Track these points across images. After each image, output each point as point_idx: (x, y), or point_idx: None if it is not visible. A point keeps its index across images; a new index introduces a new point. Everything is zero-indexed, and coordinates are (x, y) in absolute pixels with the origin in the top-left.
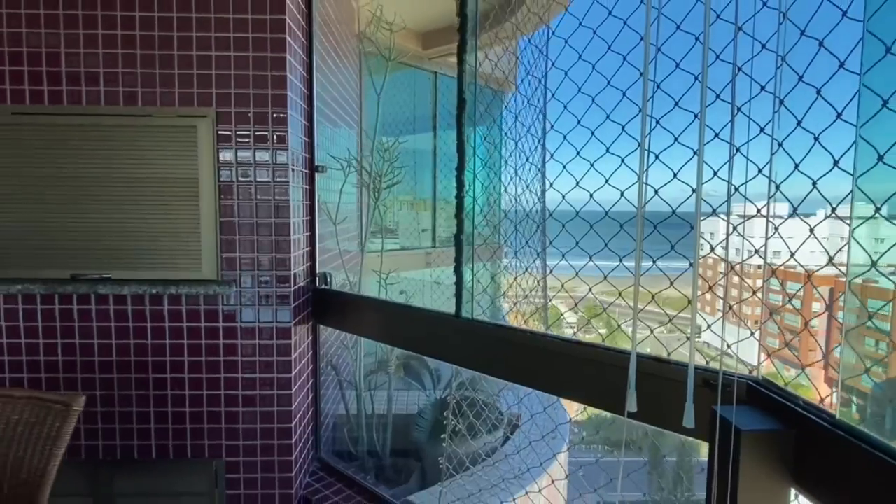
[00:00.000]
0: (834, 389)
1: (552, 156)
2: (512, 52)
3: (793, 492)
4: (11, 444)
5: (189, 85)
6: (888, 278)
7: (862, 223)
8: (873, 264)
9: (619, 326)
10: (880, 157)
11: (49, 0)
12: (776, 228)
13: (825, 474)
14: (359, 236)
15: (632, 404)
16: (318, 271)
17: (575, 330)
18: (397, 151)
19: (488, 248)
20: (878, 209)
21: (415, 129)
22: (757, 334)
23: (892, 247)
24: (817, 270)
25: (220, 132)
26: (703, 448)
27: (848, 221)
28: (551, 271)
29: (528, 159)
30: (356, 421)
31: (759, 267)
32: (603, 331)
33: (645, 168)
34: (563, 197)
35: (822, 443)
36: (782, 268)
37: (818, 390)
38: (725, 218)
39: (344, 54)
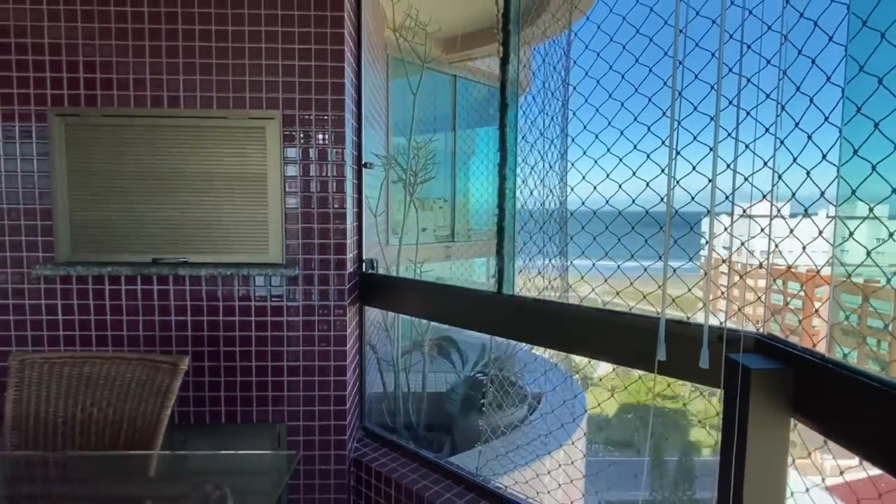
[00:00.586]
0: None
1: (572, 164)
2: (527, 57)
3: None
4: (127, 398)
5: (259, 90)
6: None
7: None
8: (873, 257)
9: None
10: (855, 151)
11: (136, 16)
12: (794, 226)
13: (818, 403)
14: (385, 230)
15: (661, 353)
16: (364, 258)
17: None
18: (432, 151)
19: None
20: (871, 210)
21: (435, 129)
22: (763, 297)
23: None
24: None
25: (285, 133)
26: (704, 449)
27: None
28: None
29: (542, 158)
30: (393, 396)
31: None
32: None
33: (673, 167)
34: (583, 201)
35: (815, 377)
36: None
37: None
38: (739, 212)
39: (375, 59)
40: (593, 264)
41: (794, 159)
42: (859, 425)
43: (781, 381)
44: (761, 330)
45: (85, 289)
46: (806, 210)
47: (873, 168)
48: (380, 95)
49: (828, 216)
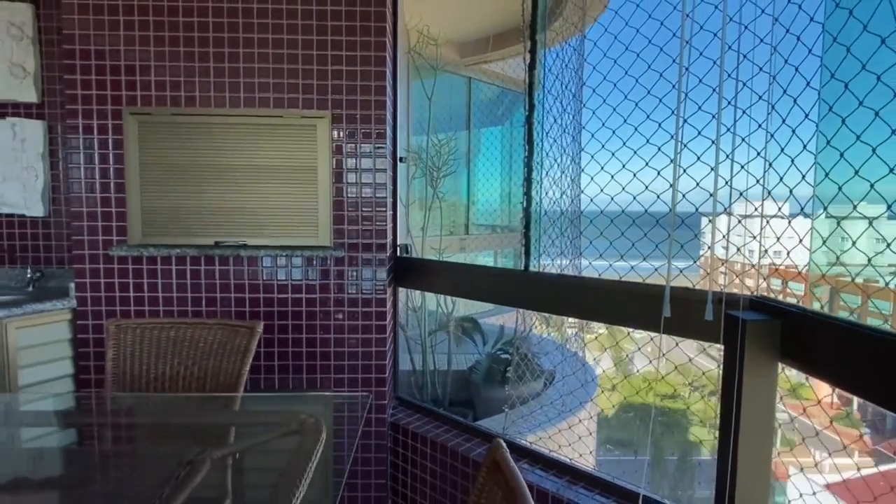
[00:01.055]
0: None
1: (591, 156)
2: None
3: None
4: (210, 357)
5: (311, 92)
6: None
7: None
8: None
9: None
10: (828, 142)
11: (201, 25)
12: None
13: (800, 346)
14: (406, 221)
15: (667, 310)
16: (398, 243)
17: (576, 329)
18: (453, 148)
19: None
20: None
21: (450, 128)
22: (757, 261)
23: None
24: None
25: (334, 130)
26: (703, 449)
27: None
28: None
29: (561, 153)
30: (421, 373)
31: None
32: (602, 330)
33: (679, 166)
34: (592, 199)
35: (797, 325)
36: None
37: (818, 388)
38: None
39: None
40: (610, 265)
41: (782, 149)
42: (833, 361)
43: (770, 331)
44: (754, 294)
45: (154, 268)
46: (802, 208)
47: (841, 155)
48: (401, 95)
49: (827, 215)
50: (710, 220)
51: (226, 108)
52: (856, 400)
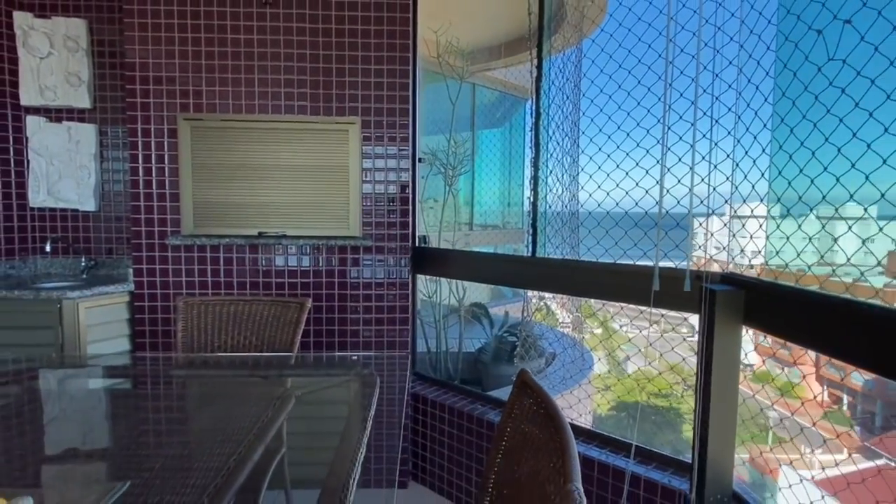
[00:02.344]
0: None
1: (579, 168)
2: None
3: None
4: (266, 329)
5: (343, 101)
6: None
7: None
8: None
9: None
10: (780, 146)
11: (247, 42)
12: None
13: (758, 311)
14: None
15: (656, 284)
16: (418, 234)
17: (570, 328)
18: (466, 150)
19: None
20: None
21: (455, 130)
22: (727, 250)
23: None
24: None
25: (363, 134)
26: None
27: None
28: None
29: (551, 157)
30: (435, 353)
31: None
32: (598, 330)
33: (664, 160)
34: (591, 195)
35: (756, 293)
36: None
37: (811, 387)
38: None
39: None
40: (606, 251)
41: (746, 152)
42: (782, 320)
43: (736, 299)
44: (725, 270)
45: (204, 256)
46: (788, 210)
47: (790, 157)
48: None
49: (816, 217)
50: (688, 211)
51: (268, 115)
52: (846, 398)
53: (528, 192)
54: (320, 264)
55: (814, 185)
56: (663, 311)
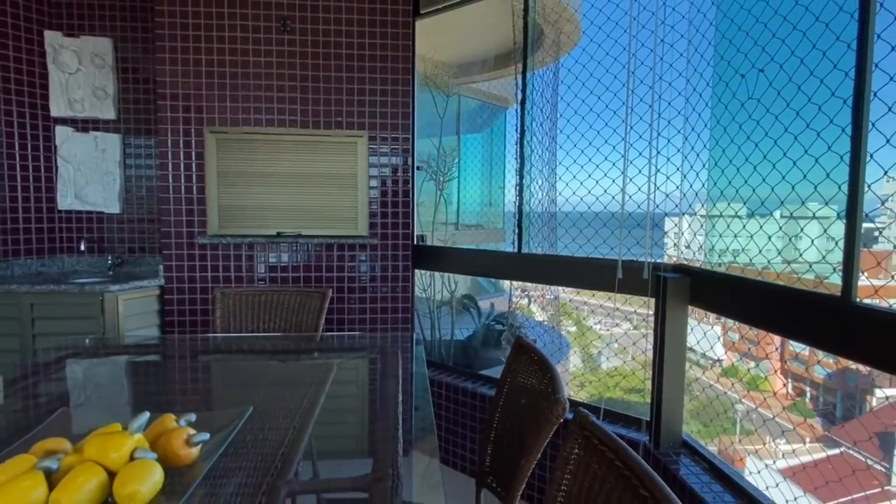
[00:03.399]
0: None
1: (556, 176)
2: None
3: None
4: (292, 315)
5: (352, 117)
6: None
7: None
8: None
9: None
10: (716, 163)
11: (267, 63)
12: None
13: (700, 293)
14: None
15: (619, 272)
16: (416, 233)
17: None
18: (455, 157)
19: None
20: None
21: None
22: (677, 244)
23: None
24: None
25: (370, 146)
26: None
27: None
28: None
29: (533, 166)
30: (430, 340)
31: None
32: (573, 328)
33: (627, 167)
34: (567, 199)
35: (697, 279)
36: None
37: (772, 383)
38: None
39: None
40: (580, 247)
41: (697, 155)
42: (716, 299)
43: (683, 284)
44: (675, 261)
45: (228, 253)
46: (764, 210)
47: (722, 171)
48: None
49: (782, 216)
50: (647, 214)
51: (285, 128)
52: (808, 391)
53: (510, 196)
54: (332, 260)
55: (739, 194)
56: (635, 309)
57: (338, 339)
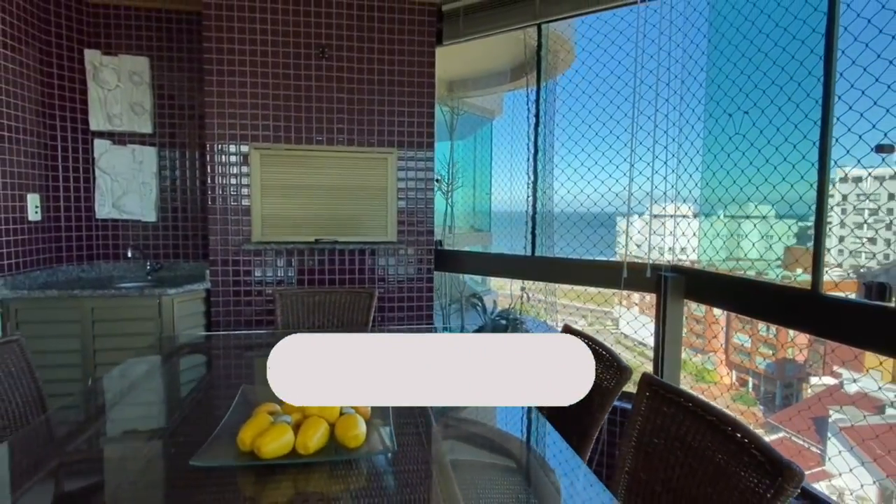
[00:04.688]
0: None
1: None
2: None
3: None
4: (344, 312)
5: (383, 135)
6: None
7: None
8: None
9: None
10: (708, 166)
11: (307, 87)
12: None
13: (694, 289)
14: None
15: (625, 272)
16: (435, 238)
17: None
18: (461, 168)
19: (484, 235)
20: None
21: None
22: (673, 248)
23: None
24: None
25: (398, 161)
26: None
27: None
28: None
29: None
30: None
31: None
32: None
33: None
34: (569, 203)
35: (691, 278)
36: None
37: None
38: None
39: None
40: (583, 246)
41: (691, 161)
42: (707, 293)
43: (680, 282)
44: (672, 262)
45: (270, 259)
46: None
47: (713, 174)
48: None
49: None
50: (646, 222)
51: (324, 146)
52: (751, 381)
53: (497, 200)
54: (364, 264)
55: (725, 206)
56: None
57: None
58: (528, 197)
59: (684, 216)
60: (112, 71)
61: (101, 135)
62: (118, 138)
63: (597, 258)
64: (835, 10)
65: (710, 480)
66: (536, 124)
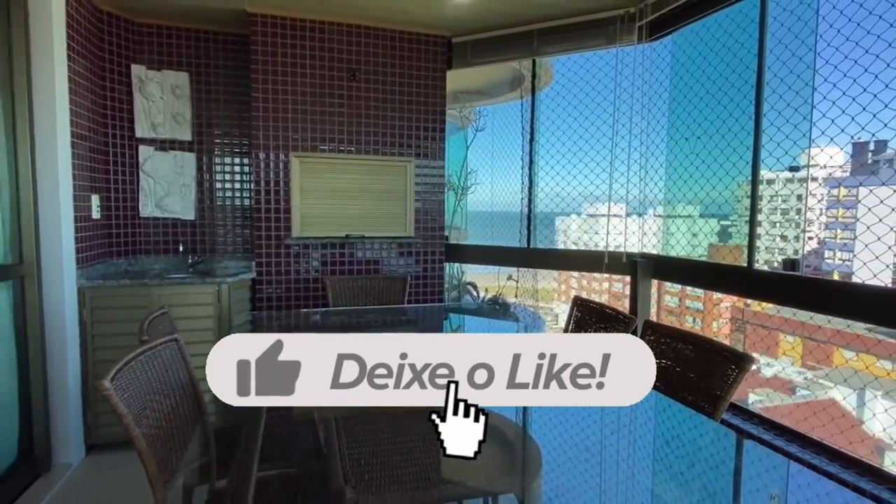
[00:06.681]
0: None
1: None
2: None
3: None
4: (382, 293)
5: (402, 146)
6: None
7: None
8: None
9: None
10: (670, 176)
11: (339, 104)
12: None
13: (660, 270)
14: None
15: (606, 259)
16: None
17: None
18: (473, 173)
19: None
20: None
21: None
22: (641, 241)
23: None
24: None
25: (416, 167)
26: None
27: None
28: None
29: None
30: None
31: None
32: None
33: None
34: (557, 203)
35: (658, 262)
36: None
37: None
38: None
39: None
40: (573, 238)
41: (656, 172)
42: (670, 273)
43: (649, 265)
44: (643, 250)
45: (307, 252)
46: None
47: (674, 182)
48: None
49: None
50: (623, 218)
51: (353, 155)
52: None
53: (522, 207)
54: (387, 254)
55: (684, 207)
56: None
57: (411, 310)
58: (522, 198)
59: (654, 216)
60: (156, 84)
61: (144, 141)
62: (160, 144)
63: (581, 248)
64: (762, 64)
65: (699, 374)
66: (531, 139)
